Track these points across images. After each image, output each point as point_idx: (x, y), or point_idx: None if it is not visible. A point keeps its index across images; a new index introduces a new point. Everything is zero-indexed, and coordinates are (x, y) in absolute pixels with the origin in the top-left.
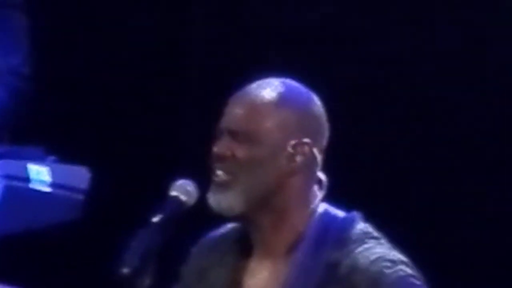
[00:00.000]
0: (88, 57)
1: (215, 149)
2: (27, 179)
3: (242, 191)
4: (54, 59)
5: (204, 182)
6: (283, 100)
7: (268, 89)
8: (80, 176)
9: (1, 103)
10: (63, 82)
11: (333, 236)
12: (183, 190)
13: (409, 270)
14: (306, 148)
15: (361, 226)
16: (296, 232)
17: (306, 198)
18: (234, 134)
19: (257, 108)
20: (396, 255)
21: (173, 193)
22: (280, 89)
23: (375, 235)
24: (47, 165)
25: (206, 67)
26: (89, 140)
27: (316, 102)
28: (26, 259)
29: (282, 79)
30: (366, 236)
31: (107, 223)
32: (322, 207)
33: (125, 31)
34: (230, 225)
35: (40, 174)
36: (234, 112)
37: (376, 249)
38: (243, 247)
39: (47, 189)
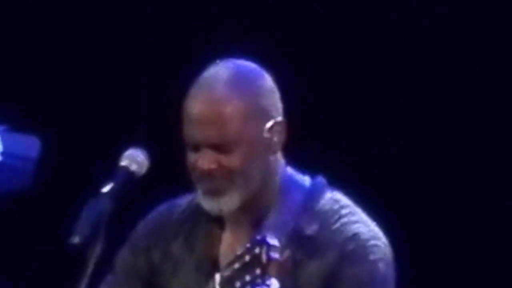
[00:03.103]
0: (37, 24)
1: (199, 164)
2: None
3: (241, 191)
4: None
5: (155, 150)
6: (241, 91)
7: (221, 85)
8: (30, 145)
9: None
10: (15, 51)
11: (303, 205)
12: (133, 159)
13: (381, 251)
14: (279, 127)
15: (330, 194)
16: (271, 199)
17: (278, 169)
18: (213, 147)
19: (223, 114)
20: (371, 231)
21: (123, 162)
22: (232, 79)
23: (345, 204)
24: None
25: (155, 25)
26: (40, 108)
27: (267, 77)
28: None
29: (229, 67)
30: (339, 207)
31: (57, 192)
32: (287, 172)
33: None
34: (181, 200)
35: None
36: (203, 123)
37: (352, 226)
38: (212, 220)
39: None
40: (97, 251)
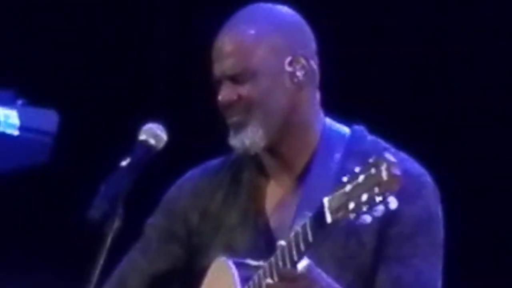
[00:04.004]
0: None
1: (220, 98)
2: None
3: (261, 124)
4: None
5: (174, 125)
6: (262, 25)
7: (243, 21)
8: (48, 119)
9: None
10: (35, 29)
11: (347, 149)
12: (151, 134)
13: (431, 185)
14: (303, 61)
15: (370, 137)
16: (312, 147)
17: (316, 110)
18: (232, 78)
19: (242, 44)
20: (418, 167)
21: (142, 137)
22: (255, 16)
23: (386, 145)
24: (15, 108)
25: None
26: (58, 83)
27: (293, 14)
28: None
29: (254, 5)
30: (382, 148)
31: (76, 167)
32: (326, 122)
33: None
34: (214, 162)
35: (8, 118)
36: (223, 57)
37: (399, 164)
38: (254, 174)
39: (16, 132)
40: (115, 225)
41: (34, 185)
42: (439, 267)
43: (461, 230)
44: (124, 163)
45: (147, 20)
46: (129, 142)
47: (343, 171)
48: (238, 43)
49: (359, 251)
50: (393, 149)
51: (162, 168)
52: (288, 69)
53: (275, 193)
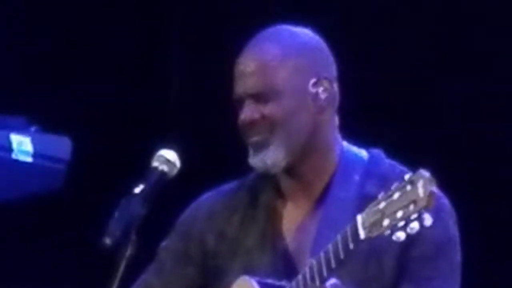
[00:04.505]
0: (64, 23)
1: (243, 117)
2: (9, 149)
3: (282, 144)
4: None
5: (189, 151)
6: (286, 45)
7: (268, 40)
8: (62, 146)
9: None
10: (46, 52)
11: (366, 172)
12: (165, 160)
13: (449, 207)
14: (326, 83)
15: (388, 161)
16: (331, 169)
17: (336, 133)
18: (255, 97)
19: (267, 64)
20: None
21: (155, 163)
22: (279, 36)
23: (403, 169)
24: (29, 135)
25: (189, 28)
26: (71, 109)
27: (316, 36)
28: (8, 229)
29: (276, 27)
30: (400, 171)
31: (89, 194)
32: (343, 145)
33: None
34: (230, 185)
35: (22, 144)
36: (246, 75)
37: None
38: (271, 197)
39: (29, 159)
40: (129, 252)
41: (48, 212)
42: (457, 287)
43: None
44: (137, 189)
45: (161, 44)
46: (143, 169)
47: (362, 193)
48: (262, 61)
49: (379, 273)
50: (410, 172)
51: (175, 193)
52: (312, 90)
53: (293, 215)
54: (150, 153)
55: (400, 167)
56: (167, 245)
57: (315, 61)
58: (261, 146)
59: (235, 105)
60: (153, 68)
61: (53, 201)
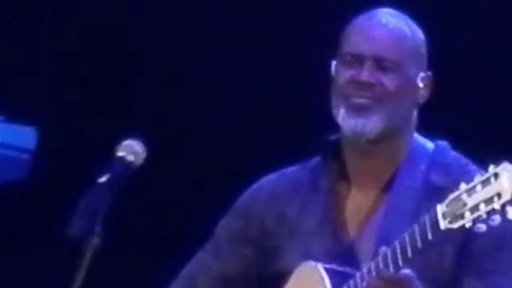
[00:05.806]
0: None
1: (363, 76)
2: None
3: (385, 116)
4: None
5: (153, 141)
6: (413, 32)
7: (400, 20)
8: (27, 136)
9: None
10: (12, 42)
11: (432, 160)
12: (130, 150)
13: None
14: (429, 81)
15: (453, 153)
16: (402, 158)
17: (415, 126)
18: (380, 61)
19: (401, 38)
20: None
21: (120, 153)
22: (407, 21)
23: (468, 161)
24: None
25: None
26: (37, 99)
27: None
28: None
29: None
30: (465, 163)
31: (54, 183)
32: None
33: None
34: (292, 168)
35: None
36: (377, 39)
37: None
38: (334, 181)
39: None
40: (95, 242)
41: (12, 201)
42: None
43: None
44: (102, 179)
45: (126, 34)
46: (108, 158)
47: (427, 182)
48: (399, 33)
49: (438, 263)
50: (474, 166)
51: (139, 184)
52: (419, 83)
53: (356, 201)
54: (115, 143)
55: (465, 159)
56: (225, 224)
57: (425, 56)
58: (365, 110)
59: (343, 60)
60: (120, 57)
61: (18, 191)
